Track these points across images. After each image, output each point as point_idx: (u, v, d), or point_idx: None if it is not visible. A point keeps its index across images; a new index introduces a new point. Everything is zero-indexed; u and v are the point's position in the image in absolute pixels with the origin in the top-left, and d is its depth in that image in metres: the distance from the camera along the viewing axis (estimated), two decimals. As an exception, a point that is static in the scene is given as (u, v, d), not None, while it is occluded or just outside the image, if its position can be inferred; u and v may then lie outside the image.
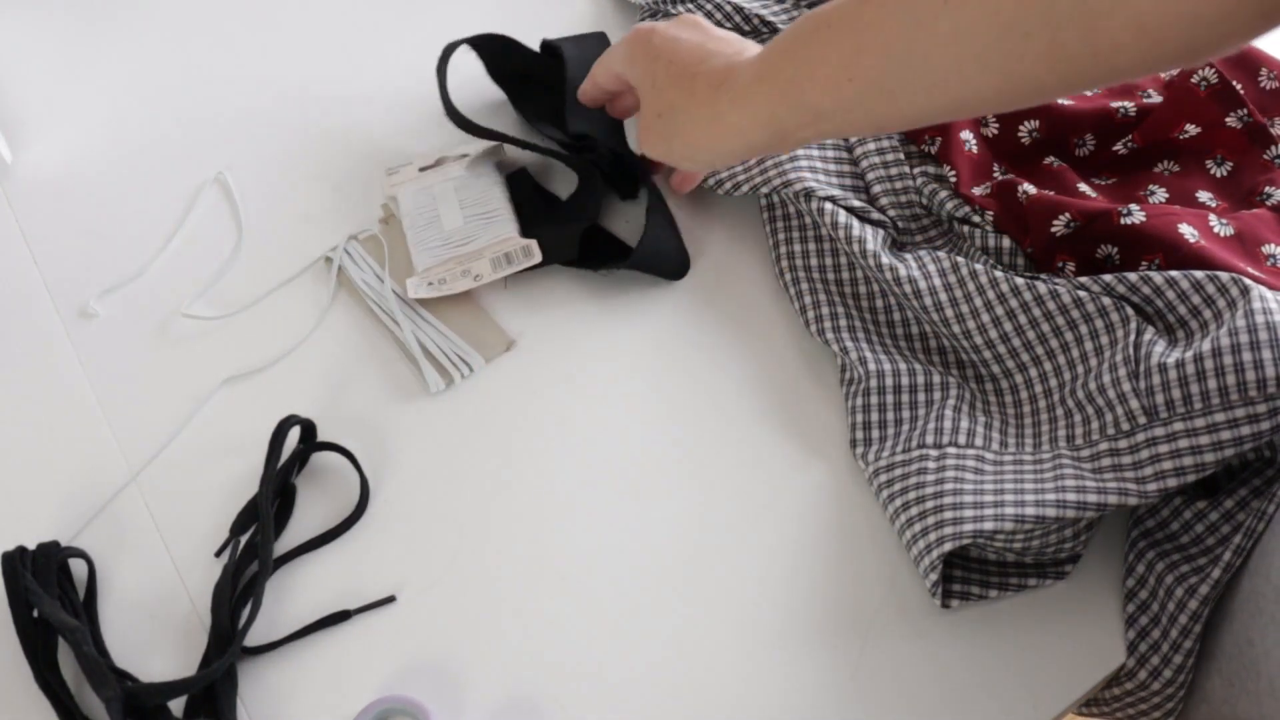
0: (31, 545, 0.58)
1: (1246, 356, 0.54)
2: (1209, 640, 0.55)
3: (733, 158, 0.62)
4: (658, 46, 0.62)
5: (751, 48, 0.59)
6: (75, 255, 0.72)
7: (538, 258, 0.69)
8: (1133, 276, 0.60)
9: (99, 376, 0.67)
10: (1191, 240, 0.61)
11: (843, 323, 0.66)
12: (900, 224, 0.70)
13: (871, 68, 0.49)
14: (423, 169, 0.74)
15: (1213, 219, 0.64)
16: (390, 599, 0.59)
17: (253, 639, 0.57)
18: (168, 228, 0.73)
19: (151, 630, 0.58)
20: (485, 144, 0.74)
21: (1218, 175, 0.69)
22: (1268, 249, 0.63)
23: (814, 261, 0.68)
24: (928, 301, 0.64)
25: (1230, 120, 0.69)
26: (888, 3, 0.48)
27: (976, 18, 0.45)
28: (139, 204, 0.74)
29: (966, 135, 0.70)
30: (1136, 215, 0.63)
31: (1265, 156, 0.68)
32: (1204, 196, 0.68)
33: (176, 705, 0.55)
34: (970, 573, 0.58)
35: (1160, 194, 0.68)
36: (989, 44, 0.45)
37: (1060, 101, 0.71)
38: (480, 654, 0.58)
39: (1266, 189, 0.66)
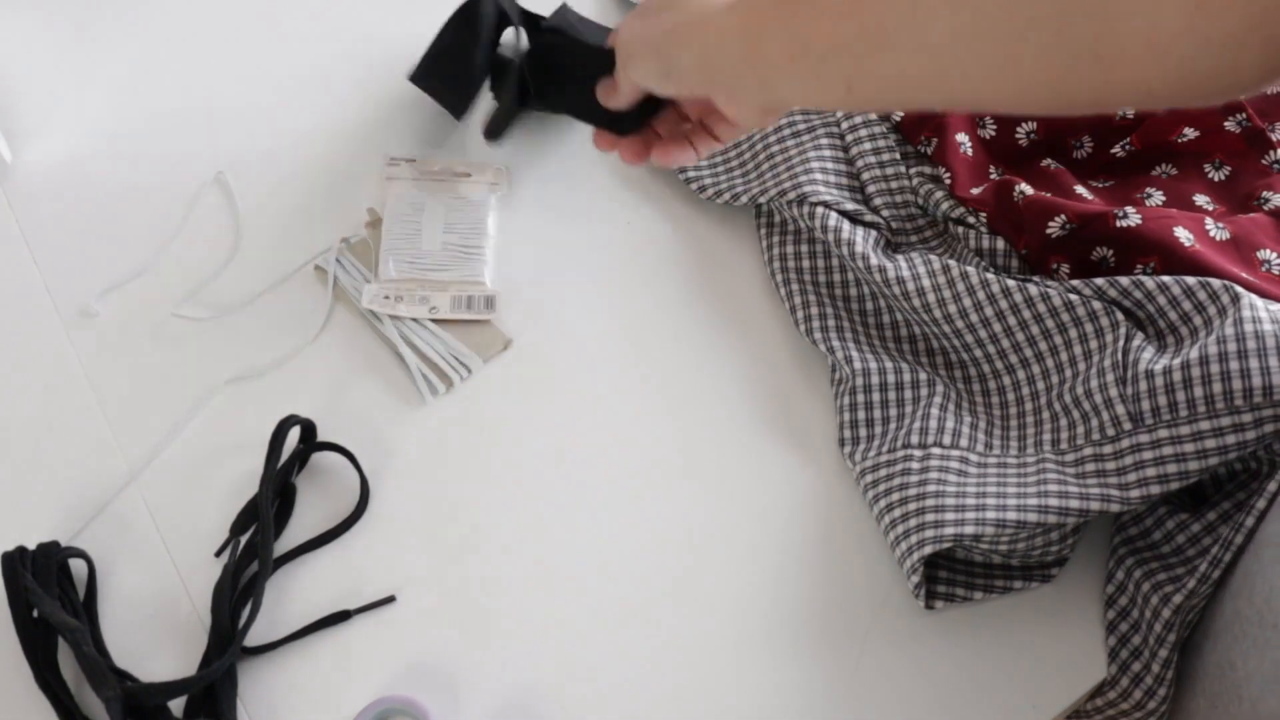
0: (31, 545, 0.58)
1: (1234, 365, 0.54)
2: (1194, 660, 0.55)
3: (706, 72, 0.54)
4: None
5: None
6: (75, 255, 0.72)
7: (495, 311, 0.68)
8: (1125, 280, 0.60)
9: (99, 376, 0.67)
10: (1187, 244, 0.62)
11: (831, 323, 0.66)
12: (895, 224, 0.70)
13: (873, 10, 0.46)
14: (424, 172, 0.74)
15: (1209, 223, 0.64)
16: (390, 599, 0.59)
17: (253, 639, 0.58)
18: (167, 228, 0.73)
19: (151, 630, 0.59)
20: (491, 168, 0.74)
21: (1215, 179, 0.69)
22: (1263, 254, 0.63)
23: (805, 264, 0.69)
24: (916, 302, 0.64)
25: (1229, 124, 0.69)
26: None
27: None
28: (139, 204, 0.74)
29: (962, 138, 0.70)
30: (1132, 218, 0.63)
31: (1263, 162, 0.68)
32: (1201, 200, 0.68)
33: (176, 705, 0.55)
34: (956, 574, 0.59)
35: (1157, 197, 0.68)
36: (992, 22, 0.42)
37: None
38: (480, 654, 0.58)
39: (1264, 194, 0.67)
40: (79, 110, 0.79)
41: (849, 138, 0.71)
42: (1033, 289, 0.62)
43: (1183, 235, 0.62)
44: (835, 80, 0.50)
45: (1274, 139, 0.69)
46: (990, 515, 0.55)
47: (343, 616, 0.59)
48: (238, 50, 0.82)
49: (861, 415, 0.63)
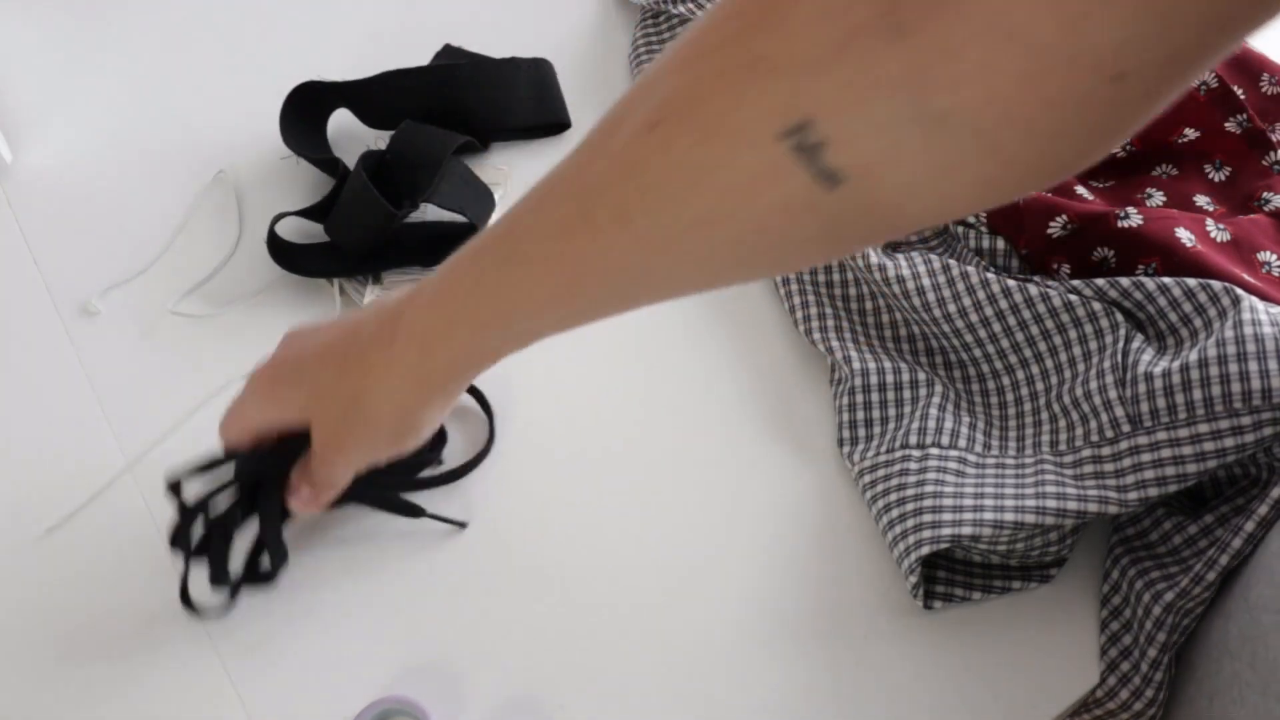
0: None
1: (1233, 368, 0.54)
2: (1193, 718, 0.55)
3: (446, 400, 0.52)
4: (289, 371, 0.52)
5: (370, 310, 0.50)
6: (75, 255, 0.72)
7: None
8: (1125, 281, 0.60)
9: (100, 376, 0.67)
10: (1188, 245, 0.62)
11: (830, 324, 0.66)
12: (897, 225, 0.70)
13: (597, 288, 0.43)
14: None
15: (1210, 224, 0.64)
16: (464, 524, 0.61)
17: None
18: (168, 227, 0.73)
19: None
20: (493, 168, 0.74)
21: (1216, 180, 0.69)
22: (1264, 256, 0.63)
23: None
24: (916, 302, 0.64)
25: (1229, 125, 0.69)
26: (601, 235, 0.40)
27: (735, 235, 0.38)
28: (139, 204, 0.74)
29: (965, 138, 0.70)
30: (1134, 218, 0.63)
31: (1264, 163, 0.68)
32: (1201, 201, 0.68)
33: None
34: (954, 574, 0.59)
35: (1158, 197, 0.68)
36: (756, 250, 0.39)
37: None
38: (480, 654, 0.58)
39: (1264, 195, 0.67)
40: (79, 110, 0.79)
41: None
42: (1033, 289, 0.62)
43: (1184, 236, 0.62)
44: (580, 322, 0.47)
45: (1274, 140, 0.69)
46: (988, 516, 0.55)
47: (417, 511, 0.60)
48: (238, 49, 0.82)
49: (860, 415, 0.63)
